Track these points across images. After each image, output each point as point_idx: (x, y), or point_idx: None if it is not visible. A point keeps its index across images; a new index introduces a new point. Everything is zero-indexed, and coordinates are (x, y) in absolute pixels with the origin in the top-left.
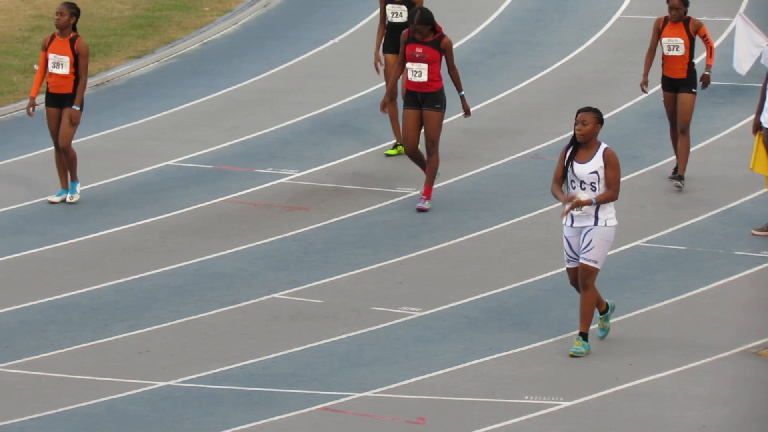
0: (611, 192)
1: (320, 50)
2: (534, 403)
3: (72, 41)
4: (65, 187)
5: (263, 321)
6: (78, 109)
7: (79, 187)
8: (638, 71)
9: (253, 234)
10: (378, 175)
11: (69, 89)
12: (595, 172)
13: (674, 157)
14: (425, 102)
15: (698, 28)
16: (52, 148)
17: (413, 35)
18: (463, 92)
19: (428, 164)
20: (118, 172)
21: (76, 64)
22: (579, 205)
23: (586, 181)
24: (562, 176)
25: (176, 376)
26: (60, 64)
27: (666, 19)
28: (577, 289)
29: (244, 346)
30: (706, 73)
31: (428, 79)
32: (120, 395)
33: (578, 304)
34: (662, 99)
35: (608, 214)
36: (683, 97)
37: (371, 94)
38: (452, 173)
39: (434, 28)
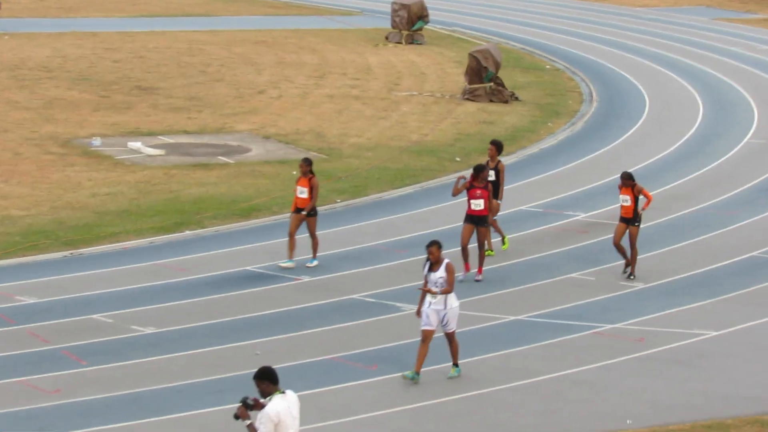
0: (448, 287)
1: None
2: None
3: (309, 180)
4: (292, 258)
5: None
6: (311, 215)
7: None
8: None
9: None
10: None
11: (305, 205)
12: (442, 277)
13: None
14: None
15: None
16: None
17: None
18: None
19: None
20: None
21: (311, 192)
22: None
23: (437, 282)
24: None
25: None
26: (303, 192)
27: None
28: None
29: None
30: None
31: None
32: None
33: None
34: None
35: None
36: None
37: None
38: None
39: None
